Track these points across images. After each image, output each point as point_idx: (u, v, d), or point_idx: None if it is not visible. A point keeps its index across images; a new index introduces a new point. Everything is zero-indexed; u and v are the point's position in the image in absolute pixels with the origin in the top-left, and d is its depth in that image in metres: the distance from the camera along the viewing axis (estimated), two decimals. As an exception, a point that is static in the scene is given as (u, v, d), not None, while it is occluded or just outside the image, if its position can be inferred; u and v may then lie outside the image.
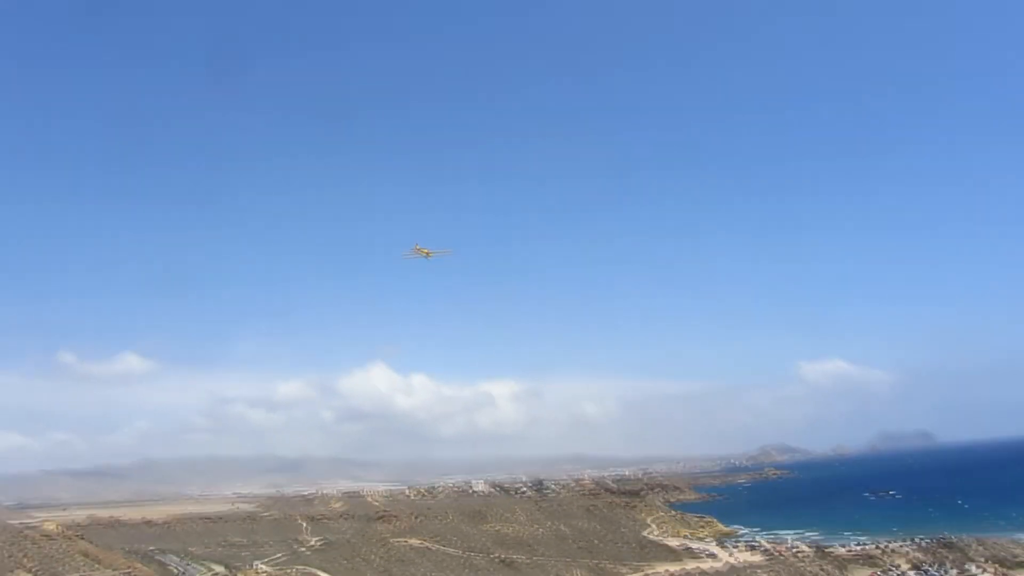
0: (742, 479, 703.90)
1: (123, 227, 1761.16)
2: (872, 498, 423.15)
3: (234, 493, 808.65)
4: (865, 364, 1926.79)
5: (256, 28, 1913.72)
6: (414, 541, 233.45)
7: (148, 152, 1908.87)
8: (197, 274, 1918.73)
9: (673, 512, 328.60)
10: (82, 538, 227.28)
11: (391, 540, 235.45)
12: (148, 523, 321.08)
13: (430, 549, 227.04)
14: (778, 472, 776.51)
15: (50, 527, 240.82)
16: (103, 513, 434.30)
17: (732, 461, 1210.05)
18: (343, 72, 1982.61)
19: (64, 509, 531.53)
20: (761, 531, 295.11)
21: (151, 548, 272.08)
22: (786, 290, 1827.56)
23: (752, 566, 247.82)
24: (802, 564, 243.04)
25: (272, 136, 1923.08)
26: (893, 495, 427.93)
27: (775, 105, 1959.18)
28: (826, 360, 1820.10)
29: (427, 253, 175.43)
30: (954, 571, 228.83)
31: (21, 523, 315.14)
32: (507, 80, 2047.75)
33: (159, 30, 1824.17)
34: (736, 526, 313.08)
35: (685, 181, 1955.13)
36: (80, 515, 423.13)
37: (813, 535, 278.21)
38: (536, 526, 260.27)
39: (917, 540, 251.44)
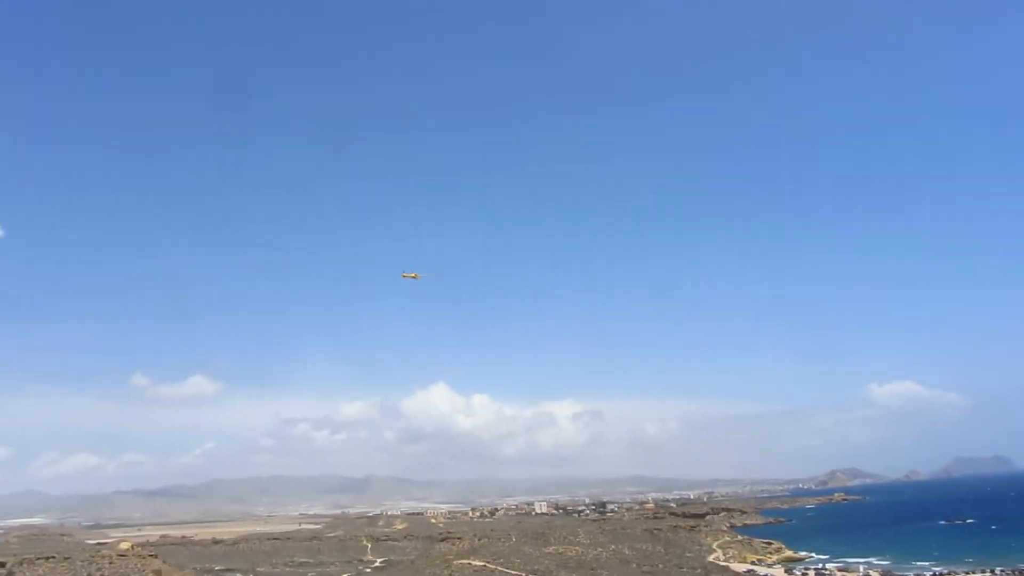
0: (810, 503, 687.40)
1: (188, 252, 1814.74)
2: (946, 525, 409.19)
3: (300, 513, 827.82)
4: (938, 387, 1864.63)
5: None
6: (476, 562, 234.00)
7: (196, 179, 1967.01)
8: (262, 297, 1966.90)
9: (739, 536, 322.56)
10: (154, 557, 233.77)
11: (453, 561, 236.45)
12: (217, 542, 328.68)
13: (492, 571, 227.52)
14: (848, 497, 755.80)
15: (124, 546, 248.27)
16: (174, 532, 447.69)
17: (800, 485, 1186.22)
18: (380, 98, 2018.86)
19: (138, 529, 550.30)
20: (830, 558, 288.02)
21: (219, 567, 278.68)
22: (854, 311, 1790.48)
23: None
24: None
25: (307, 160, 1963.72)
26: (969, 522, 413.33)
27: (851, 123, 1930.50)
28: (896, 382, 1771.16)
29: (414, 276, 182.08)
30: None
31: (97, 542, 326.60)
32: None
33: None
34: (804, 552, 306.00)
35: (752, 203, 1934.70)
36: (152, 534, 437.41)
37: (884, 563, 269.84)
38: (599, 548, 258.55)
39: (996, 571, 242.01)
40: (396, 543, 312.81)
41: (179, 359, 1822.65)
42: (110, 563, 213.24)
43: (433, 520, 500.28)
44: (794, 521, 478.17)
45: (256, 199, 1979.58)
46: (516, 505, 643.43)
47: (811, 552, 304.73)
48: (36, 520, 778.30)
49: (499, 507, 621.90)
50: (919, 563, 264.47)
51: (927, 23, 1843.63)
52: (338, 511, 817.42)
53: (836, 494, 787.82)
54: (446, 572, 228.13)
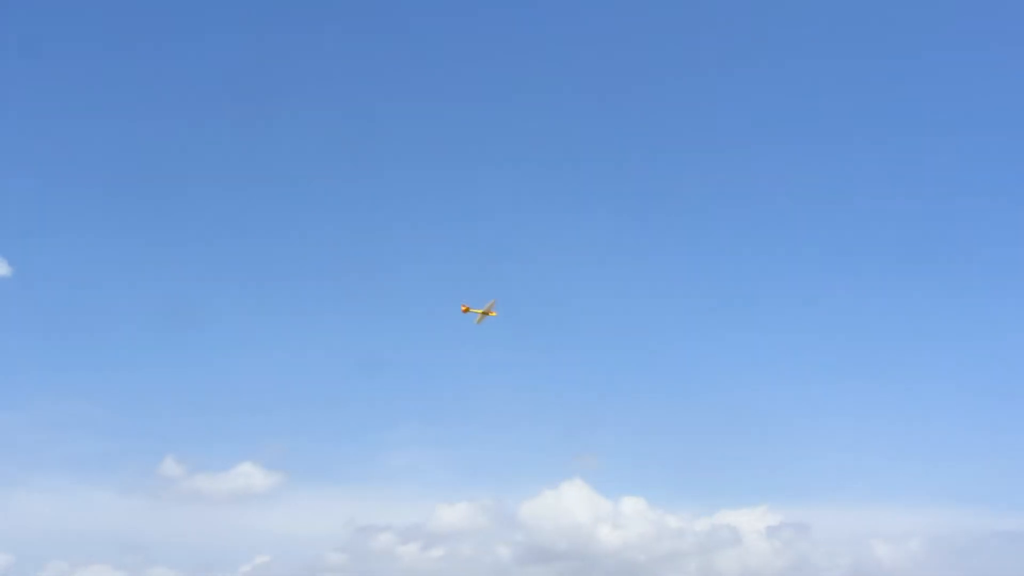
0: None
1: (236, 303, 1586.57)
2: None
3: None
4: None
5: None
6: None
7: (245, 223, 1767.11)
8: (331, 362, 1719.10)
9: None
10: None
11: None
12: None
13: None
14: None
15: None
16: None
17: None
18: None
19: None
20: None
21: None
22: None
23: None
24: None
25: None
26: None
27: None
28: None
29: (489, 312, 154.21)
30: None
31: None
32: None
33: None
34: None
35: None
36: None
37: None
38: None
39: None
40: None
41: (223, 440, 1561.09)
42: None
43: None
44: None
45: (318, 247, 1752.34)
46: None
47: None
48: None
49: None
50: None
51: None
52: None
53: None
54: None
